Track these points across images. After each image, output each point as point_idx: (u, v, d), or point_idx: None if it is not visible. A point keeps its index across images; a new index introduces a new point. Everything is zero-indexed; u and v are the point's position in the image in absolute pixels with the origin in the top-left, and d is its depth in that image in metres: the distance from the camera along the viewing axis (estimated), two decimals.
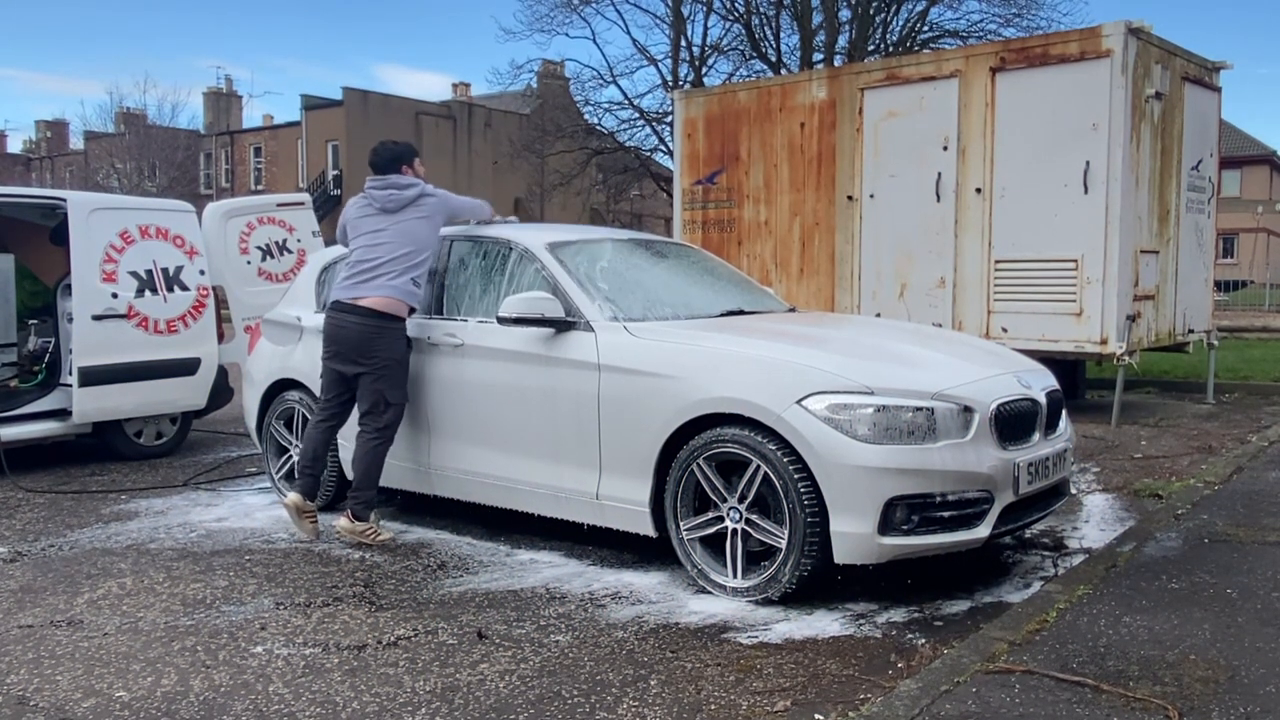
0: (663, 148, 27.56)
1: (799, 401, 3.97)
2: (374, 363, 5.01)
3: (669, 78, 27.16)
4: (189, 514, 5.88)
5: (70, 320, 7.15)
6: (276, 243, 8.30)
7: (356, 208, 5.29)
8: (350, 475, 5.30)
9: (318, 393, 5.77)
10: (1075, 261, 8.42)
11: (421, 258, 5.12)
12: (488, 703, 3.25)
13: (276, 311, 6.28)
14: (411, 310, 5.14)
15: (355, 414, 5.21)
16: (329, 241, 8.05)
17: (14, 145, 60.40)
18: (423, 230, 5.14)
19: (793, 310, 5.79)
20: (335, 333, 5.08)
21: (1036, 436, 4.35)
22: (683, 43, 27.30)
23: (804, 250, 10.16)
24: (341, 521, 5.10)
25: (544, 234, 5.33)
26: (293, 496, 5.23)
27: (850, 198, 9.74)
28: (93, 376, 6.97)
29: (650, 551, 4.74)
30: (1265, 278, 29.43)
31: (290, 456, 5.98)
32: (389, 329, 5.04)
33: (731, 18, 26.69)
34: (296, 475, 5.42)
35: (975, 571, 4.53)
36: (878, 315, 9.16)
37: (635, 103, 27.95)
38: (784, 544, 4.00)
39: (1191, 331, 9.66)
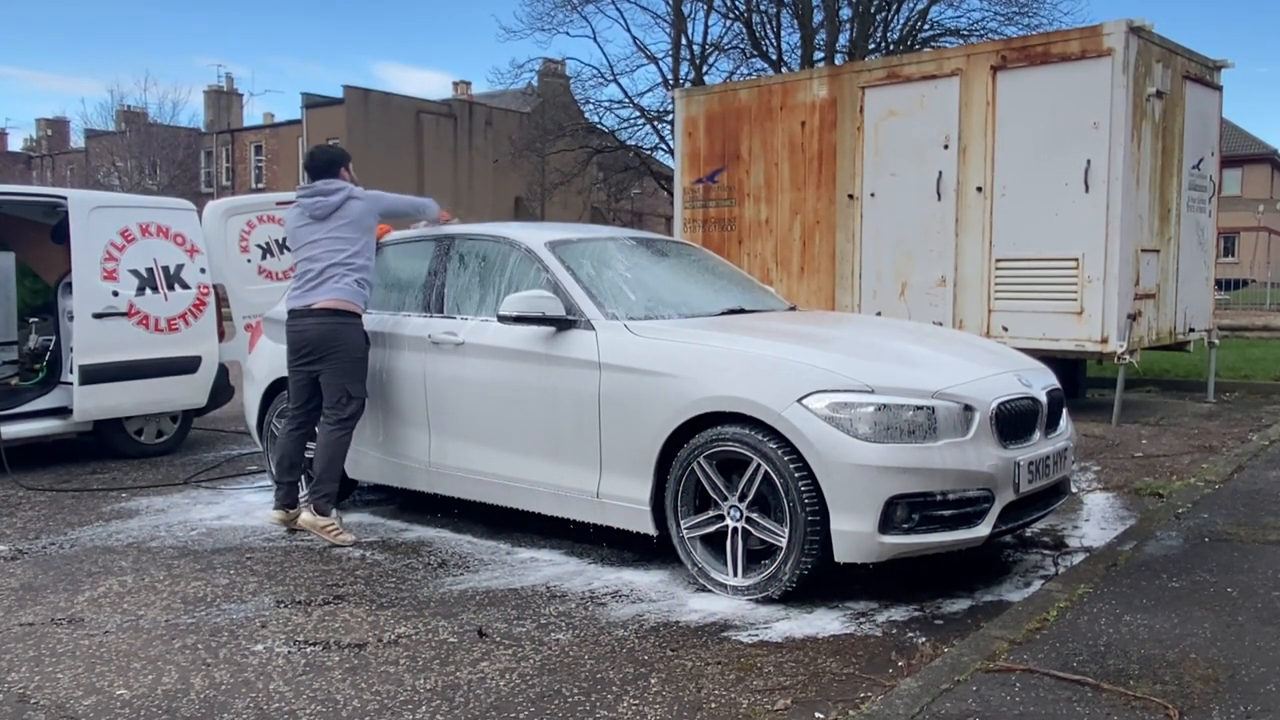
0: (663, 146, 27.57)
1: (799, 400, 3.97)
2: (336, 356, 5.15)
3: (669, 76, 27.16)
4: (190, 512, 5.88)
5: (71, 318, 7.15)
6: (277, 241, 8.29)
7: (293, 217, 5.40)
8: (315, 467, 5.27)
9: None
10: (1076, 260, 8.42)
11: (360, 260, 5.26)
12: (488, 701, 3.25)
13: (277, 310, 6.28)
14: (362, 310, 5.29)
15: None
16: None
17: (15, 143, 60.41)
18: (354, 234, 5.27)
19: (793, 309, 5.79)
20: (297, 338, 5.22)
21: (1037, 435, 4.34)
22: (683, 41, 27.30)
23: (804, 249, 10.16)
24: (305, 515, 5.20)
25: (545, 233, 5.33)
26: (274, 514, 5.40)
27: (851, 196, 9.73)
28: (93, 374, 6.98)
29: (650, 550, 4.74)
30: (1266, 277, 29.43)
31: None
32: (347, 324, 5.19)
33: (732, 16, 26.68)
34: (275, 485, 5.49)
35: (976, 570, 4.53)
36: (878, 314, 9.16)
37: (636, 101, 27.96)
38: (784, 542, 4.00)
39: (1192, 330, 9.66)
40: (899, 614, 3.99)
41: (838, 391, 3.97)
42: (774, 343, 4.40)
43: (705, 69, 27.17)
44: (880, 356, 4.40)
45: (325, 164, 5.43)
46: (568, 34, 49.28)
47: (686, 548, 4.30)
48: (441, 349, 5.19)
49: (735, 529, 4.16)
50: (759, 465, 4.04)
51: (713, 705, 3.19)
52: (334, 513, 5.25)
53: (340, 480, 5.31)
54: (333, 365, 5.17)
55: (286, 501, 5.39)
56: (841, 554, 3.95)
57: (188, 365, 7.47)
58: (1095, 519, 5.42)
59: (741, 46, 27.03)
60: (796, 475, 3.94)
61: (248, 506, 5.98)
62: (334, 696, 3.30)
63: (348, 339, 5.19)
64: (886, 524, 3.90)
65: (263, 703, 3.26)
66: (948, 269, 9.13)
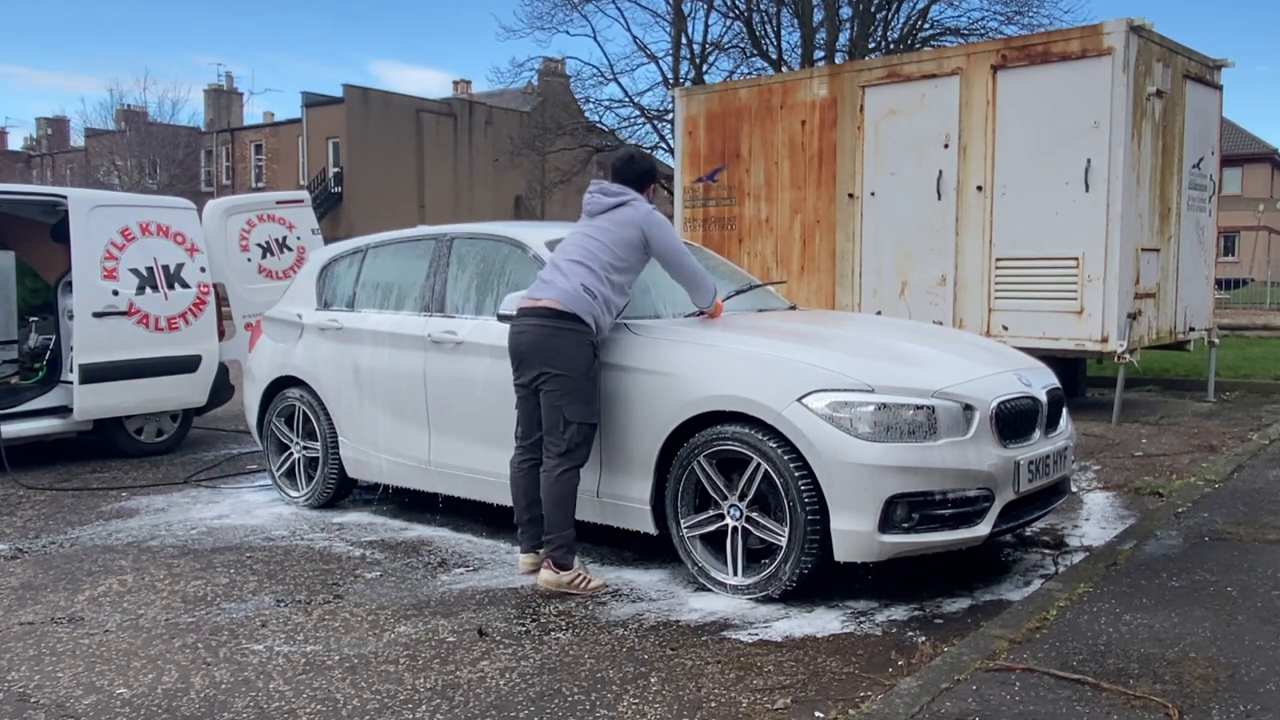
0: (663, 145, 27.51)
1: (800, 399, 3.97)
2: (551, 369, 4.28)
3: (670, 75, 27.13)
4: (190, 511, 5.88)
5: (71, 317, 7.16)
6: (276, 240, 8.32)
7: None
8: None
9: (318, 390, 5.78)
10: (1076, 259, 8.42)
11: (602, 270, 4.37)
12: (488, 700, 3.25)
13: (277, 309, 6.29)
14: (588, 322, 4.33)
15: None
16: (328, 239, 8.07)
17: (15, 142, 60.47)
18: (610, 239, 4.42)
19: (793, 308, 5.79)
20: (512, 343, 4.44)
21: (1037, 434, 4.34)
22: (683, 40, 27.26)
23: (805, 248, 10.15)
24: (543, 574, 4.34)
25: (544, 232, 5.32)
26: (524, 560, 4.58)
27: (851, 195, 9.73)
28: (93, 373, 6.98)
29: (650, 549, 4.74)
30: (1266, 276, 29.44)
31: (291, 454, 5.98)
32: (567, 330, 4.30)
33: (732, 15, 26.65)
34: (518, 528, 4.60)
35: (975, 569, 4.53)
36: (878, 313, 9.16)
37: (636, 100, 27.91)
38: (784, 542, 4.00)
39: (1192, 329, 9.66)
40: (899, 613, 3.99)
41: (838, 390, 3.97)
42: (774, 342, 4.40)
43: (705, 68, 27.15)
44: (880, 356, 4.40)
45: (631, 175, 4.62)
46: (568, 33, 49.26)
47: (686, 547, 4.30)
48: (442, 348, 5.19)
49: (735, 528, 4.16)
50: (759, 464, 4.04)
51: (712, 704, 3.19)
52: (577, 560, 4.40)
53: (571, 524, 4.36)
54: (547, 381, 4.29)
55: (536, 542, 4.51)
56: (841, 553, 3.95)
57: (188, 364, 7.48)
58: (1095, 518, 5.42)
59: (742, 45, 27.01)
60: (796, 474, 3.94)
61: (248, 506, 5.98)
62: (334, 695, 3.30)
63: (565, 348, 4.27)
64: (886, 523, 3.90)
65: (263, 702, 3.26)
66: (948, 268, 9.12)
